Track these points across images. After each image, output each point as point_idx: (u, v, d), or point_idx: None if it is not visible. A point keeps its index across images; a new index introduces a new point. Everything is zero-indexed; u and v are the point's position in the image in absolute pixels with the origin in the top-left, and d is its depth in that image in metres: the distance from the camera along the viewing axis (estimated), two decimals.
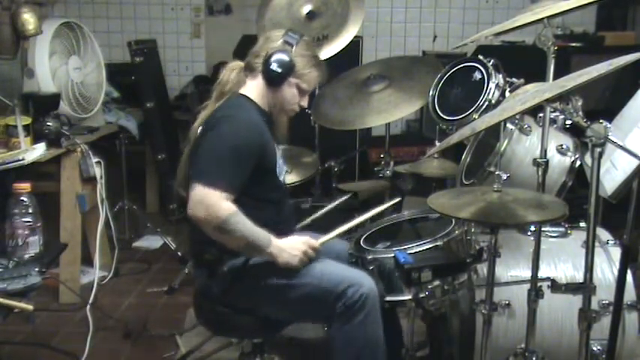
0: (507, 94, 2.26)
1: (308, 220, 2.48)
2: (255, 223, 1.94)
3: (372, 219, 2.33)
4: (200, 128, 2.05)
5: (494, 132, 2.34)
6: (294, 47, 2.08)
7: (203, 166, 1.95)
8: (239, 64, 2.14)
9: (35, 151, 2.93)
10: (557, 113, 1.97)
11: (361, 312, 1.91)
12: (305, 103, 2.17)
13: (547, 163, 2.01)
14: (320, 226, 2.44)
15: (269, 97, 2.11)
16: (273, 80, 2.08)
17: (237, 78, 2.11)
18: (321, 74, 2.16)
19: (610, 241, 2.26)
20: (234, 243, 1.95)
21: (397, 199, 2.31)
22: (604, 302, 2.06)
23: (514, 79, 2.29)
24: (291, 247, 1.97)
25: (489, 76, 2.31)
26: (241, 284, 2.02)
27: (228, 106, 2.05)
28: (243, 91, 2.11)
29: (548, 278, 1.92)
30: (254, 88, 2.11)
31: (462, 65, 2.44)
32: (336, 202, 2.65)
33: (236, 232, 1.91)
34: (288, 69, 2.07)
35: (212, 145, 1.96)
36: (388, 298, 2.05)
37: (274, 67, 2.06)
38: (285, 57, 2.06)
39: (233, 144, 1.95)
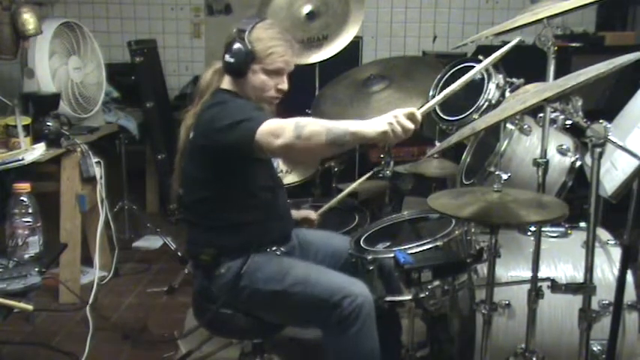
0: (507, 94, 2.26)
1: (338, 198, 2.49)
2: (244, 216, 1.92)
3: (372, 218, 2.33)
4: (192, 133, 2.04)
5: (494, 132, 2.34)
6: (246, 33, 2.01)
7: (240, 130, 1.86)
8: (217, 64, 2.12)
9: (35, 151, 2.93)
10: (557, 113, 1.97)
11: (356, 324, 1.89)
12: (284, 85, 2.08)
13: (547, 163, 2.01)
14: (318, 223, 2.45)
15: (241, 89, 2.07)
16: (234, 72, 2.04)
17: (214, 77, 2.10)
18: (284, 51, 2.04)
19: (610, 241, 2.26)
20: (321, 148, 1.80)
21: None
22: (604, 302, 2.06)
23: (514, 79, 2.29)
24: (376, 120, 1.81)
25: (489, 76, 2.31)
26: (238, 287, 2.01)
27: (213, 100, 2.04)
28: (223, 86, 2.09)
29: (548, 278, 1.92)
30: (228, 82, 2.09)
31: (461, 65, 2.45)
32: (362, 179, 2.66)
33: (310, 129, 1.77)
34: (244, 57, 2.00)
35: (225, 125, 1.89)
36: (388, 298, 2.05)
37: (228, 58, 2.01)
38: (237, 45, 2.00)
39: (239, 109, 1.93)
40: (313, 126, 1.79)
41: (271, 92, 2.07)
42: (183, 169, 2.12)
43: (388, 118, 1.79)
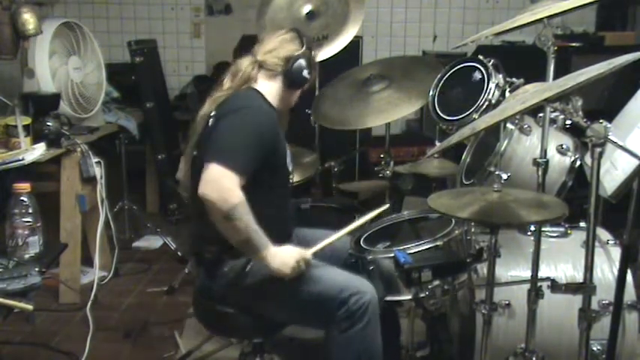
0: (507, 94, 2.26)
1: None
2: (258, 221, 1.91)
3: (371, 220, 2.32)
4: (213, 115, 2.05)
5: (494, 132, 2.34)
6: (312, 52, 2.14)
7: (221, 146, 1.92)
8: (253, 59, 2.14)
9: (35, 151, 2.93)
10: (557, 113, 1.97)
11: (362, 320, 1.90)
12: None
13: (547, 163, 2.01)
14: (318, 223, 2.45)
15: (283, 97, 2.14)
16: (297, 84, 2.14)
17: (252, 73, 2.12)
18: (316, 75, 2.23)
19: (610, 241, 2.26)
20: (235, 235, 1.90)
21: (385, 206, 2.29)
22: (604, 302, 2.06)
23: (514, 79, 2.29)
24: (286, 255, 1.94)
25: (489, 76, 2.30)
26: (242, 285, 2.01)
27: (245, 97, 2.07)
28: (255, 86, 2.12)
29: (548, 278, 1.92)
30: (268, 87, 2.12)
31: (462, 65, 2.44)
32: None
33: (240, 222, 1.86)
34: (312, 74, 2.14)
35: (232, 127, 1.95)
36: (388, 298, 2.05)
37: (305, 73, 2.11)
38: (310, 63, 2.12)
39: (254, 129, 1.96)
40: (242, 224, 1.87)
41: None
42: (196, 158, 2.10)
43: (292, 263, 1.92)
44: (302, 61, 2.10)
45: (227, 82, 2.12)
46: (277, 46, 2.13)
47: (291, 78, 2.11)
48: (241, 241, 1.91)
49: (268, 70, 2.12)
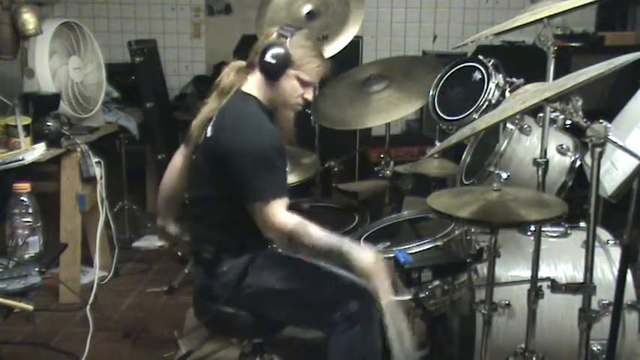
0: (507, 94, 2.26)
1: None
2: None
3: (372, 218, 2.33)
4: (210, 130, 2.04)
5: (494, 132, 2.34)
6: (288, 39, 2.05)
7: (254, 185, 1.93)
8: (240, 63, 2.13)
9: (35, 151, 2.93)
10: (557, 113, 1.97)
11: (362, 320, 1.90)
12: (309, 95, 2.13)
13: (547, 163, 2.01)
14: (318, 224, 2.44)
15: (269, 91, 2.08)
16: (270, 73, 2.06)
17: (238, 77, 2.10)
18: (321, 65, 2.11)
19: (610, 241, 2.26)
20: (308, 251, 1.96)
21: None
22: (604, 302, 2.06)
23: (514, 79, 2.29)
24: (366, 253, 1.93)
25: (489, 76, 2.31)
26: (242, 285, 2.01)
27: (239, 109, 2.04)
28: (244, 88, 2.10)
29: (548, 278, 1.92)
30: (254, 83, 2.09)
31: (462, 65, 2.45)
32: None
33: (305, 239, 1.91)
34: (284, 60, 2.04)
35: (251, 160, 1.94)
36: None
37: (268, 58, 2.03)
38: (279, 49, 2.03)
39: (270, 154, 1.95)
40: (308, 238, 1.91)
41: (298, 99, 2.11)
42: (194, 161, 2.11)
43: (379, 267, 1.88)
44: (271, 49, 2.04)
45: (215, 90, 2.10)
46: (260, 42, 2.11)
47: (262, 66, 2.05)
48: (317, 253, 1.95)
49: (252, 67, 2.10)
